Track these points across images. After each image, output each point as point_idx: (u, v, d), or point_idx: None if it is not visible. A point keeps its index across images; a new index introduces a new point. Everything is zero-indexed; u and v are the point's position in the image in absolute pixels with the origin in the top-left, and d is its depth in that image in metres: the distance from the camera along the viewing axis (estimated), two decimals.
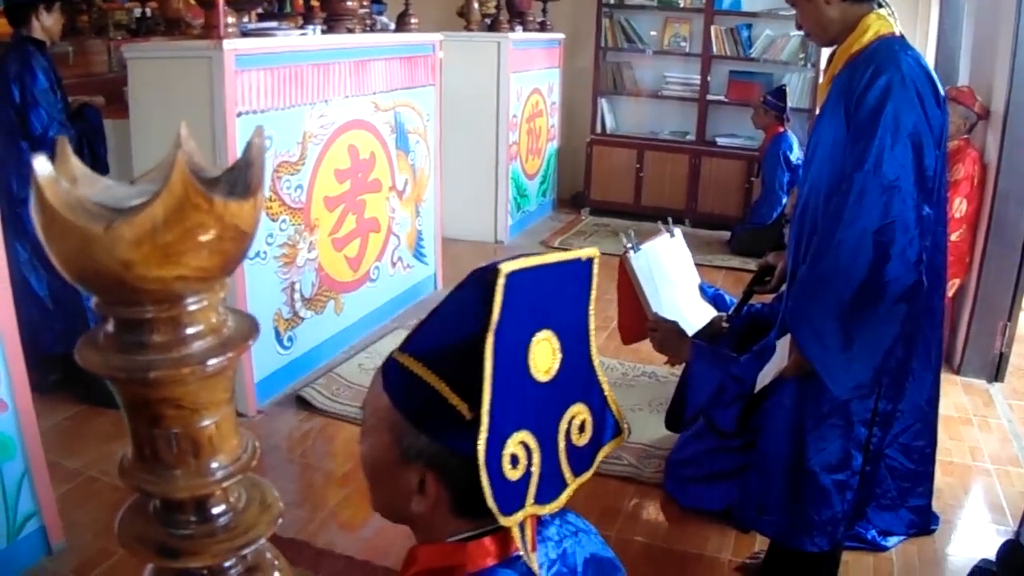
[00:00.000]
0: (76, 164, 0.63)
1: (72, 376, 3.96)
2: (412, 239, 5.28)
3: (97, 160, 4.12)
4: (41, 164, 0.57)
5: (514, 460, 1.01)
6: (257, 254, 3.84)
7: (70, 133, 3.91)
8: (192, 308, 0.67)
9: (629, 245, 3.10)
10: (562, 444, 1.08)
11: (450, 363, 1.02)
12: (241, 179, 0.62)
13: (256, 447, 0.80)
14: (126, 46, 4.03)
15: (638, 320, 3.12)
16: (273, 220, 3.92)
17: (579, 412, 1.10)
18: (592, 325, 1.10)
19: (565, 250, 1.07)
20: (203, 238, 0.60)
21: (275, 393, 4.07)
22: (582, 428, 1.11)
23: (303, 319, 4.24)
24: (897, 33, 2.38)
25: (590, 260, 1.07)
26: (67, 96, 4.09)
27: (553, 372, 1.05)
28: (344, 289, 4.59)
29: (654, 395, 4.15)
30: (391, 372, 1.08)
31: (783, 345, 2.54)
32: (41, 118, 3.78)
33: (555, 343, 1.04)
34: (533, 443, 1.04)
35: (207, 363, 0.68)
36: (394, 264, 5.09)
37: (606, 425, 1.15)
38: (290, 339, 4.15)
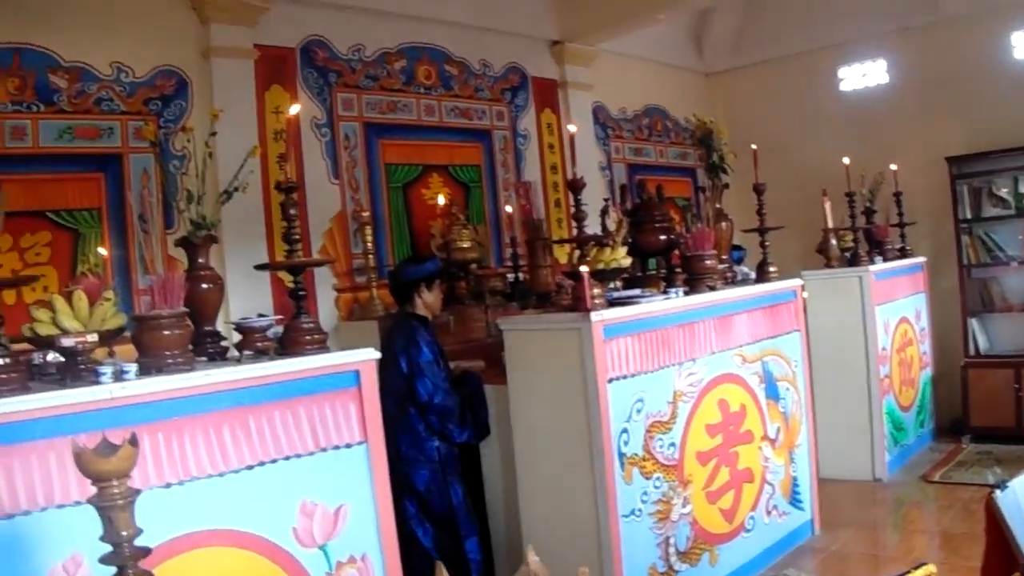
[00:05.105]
0: None
1: None
2: (787, 486, 5.17)
3: (479, 424, 4.51)
4: None
5: None
6: (632, 511, 3.96)
7: (454, 400, 4.36)
8: None
9: (995, 483, 2.90)
10: None
11: None
12: None
13: None
14: (501, 319, 4.43)
15: (1004, 568, 2.85)
16: (647, 478, 4.05)
17: None
18: None
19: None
20: None
21: None
22: None
23: (677, 572, 4.25)
24: None
25: None
26: (449, 364, 4.56)
27: None
28: (719, 541, 4.56)
29: None
30: None
31: None
32: (427, 387, 4.29)
33: None
34: None
35: None
36: (769, 512, 4.99)
37: None
38: None
